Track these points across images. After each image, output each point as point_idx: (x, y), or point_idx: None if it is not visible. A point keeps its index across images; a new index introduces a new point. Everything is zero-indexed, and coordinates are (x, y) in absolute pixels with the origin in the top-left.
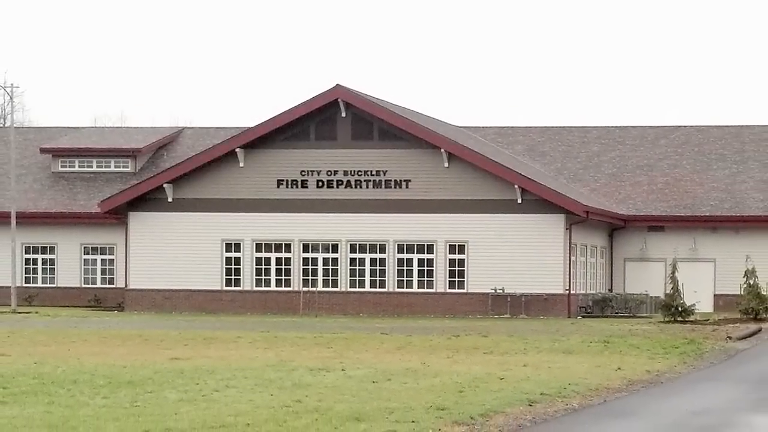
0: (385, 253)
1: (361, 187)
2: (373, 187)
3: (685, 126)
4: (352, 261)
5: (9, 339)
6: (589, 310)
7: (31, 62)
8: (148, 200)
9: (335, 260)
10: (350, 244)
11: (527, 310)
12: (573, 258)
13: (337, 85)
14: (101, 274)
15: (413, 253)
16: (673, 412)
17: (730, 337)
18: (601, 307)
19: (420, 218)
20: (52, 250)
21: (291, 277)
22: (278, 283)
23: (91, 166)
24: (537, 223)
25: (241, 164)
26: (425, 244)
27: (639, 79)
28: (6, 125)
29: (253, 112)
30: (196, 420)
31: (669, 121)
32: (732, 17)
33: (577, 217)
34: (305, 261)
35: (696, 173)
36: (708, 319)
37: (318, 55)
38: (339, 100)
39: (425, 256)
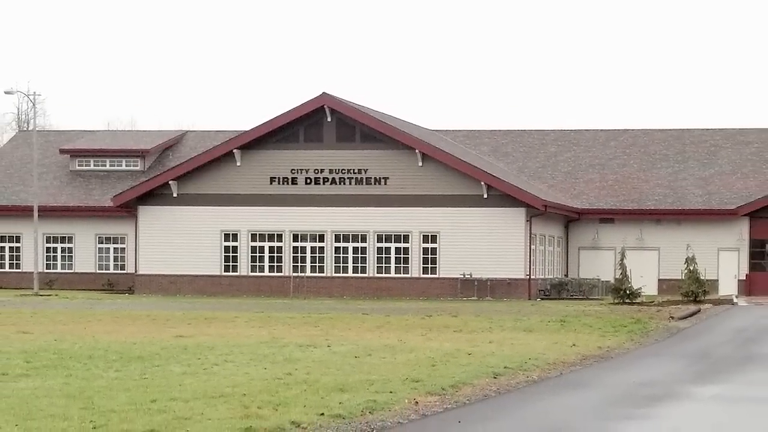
0: (366, 242)
1: (344, 183)
2: (356, 183)
3: (632, 129)
4: (337, 249)
5: (32, 319)
6: (547, 293)
7: (51, 72)
8: (155, 195)
9: (321, 249)
10: (335, 234)
11: (492, 292)
12: (533, 246)
13: (323, 93)
14: (114, 261)
15: (391, 242)
16: (622, 383)
17: (672, 317)
18: (558, 290)
19: (397, 211)
20: (70, 239)
21: (282, 264)
22: (271, 269)
23: (105, 165)
24: (501, 215)
25: (238, 163)
26: (402, 234)
27: (590, 87)
28: (29, 129)
29: (249, 116)
30: (198, 391)
31: (618, 125)
32: (673, 29)
33: (537, 211)
34: (295, 249)
35: (642, 171)
36: (653, 301)
37: (306, 65)
38: (325, 106)
39: (402, 245)
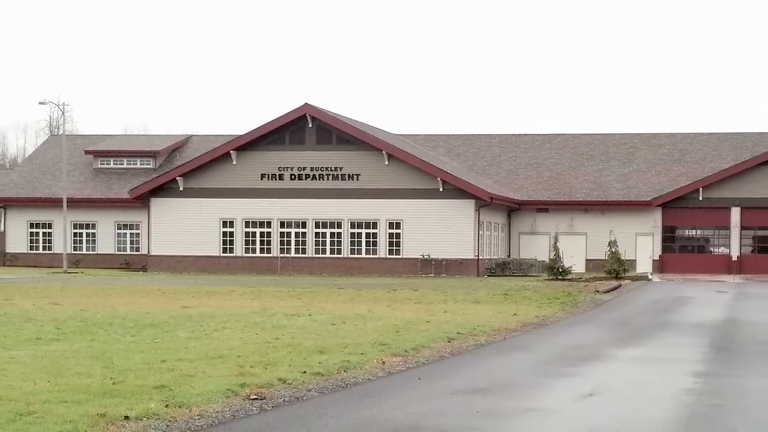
0: (341, 228)
1: (323, 179)
2: (332, 179)
3: (563, 134)
4: (317, 234)
5: (61, 292)
6: (492, 271)
7: (78, 85)
8: (165, 189)
9: (304, 234)
10: (315, 222)
11: (447, 270)
12: (481, 232)
13: (305, 103)
14: (130, 244)
15: (362, 228)
16: (556, 346)
17: (598, 291)
18: (501, 268)
19: (367, 203)
20: (93, 226)
21: (271, 247)
22: (262, 250)
23: (122, 164)
24: (454, 206)
25: (234, 162)
26: (371, 221)
27: (528, 99)
28: (59, 134)
29: (245, 121)
30: (200, 352)
31: (552, 130)
32: (596, 46)
33: (484, 202)
34: (282, 234)
35: (572, 169)
36: (581, 278)
37: (291, 78)
38: (307, 114)
39: (371, 230)
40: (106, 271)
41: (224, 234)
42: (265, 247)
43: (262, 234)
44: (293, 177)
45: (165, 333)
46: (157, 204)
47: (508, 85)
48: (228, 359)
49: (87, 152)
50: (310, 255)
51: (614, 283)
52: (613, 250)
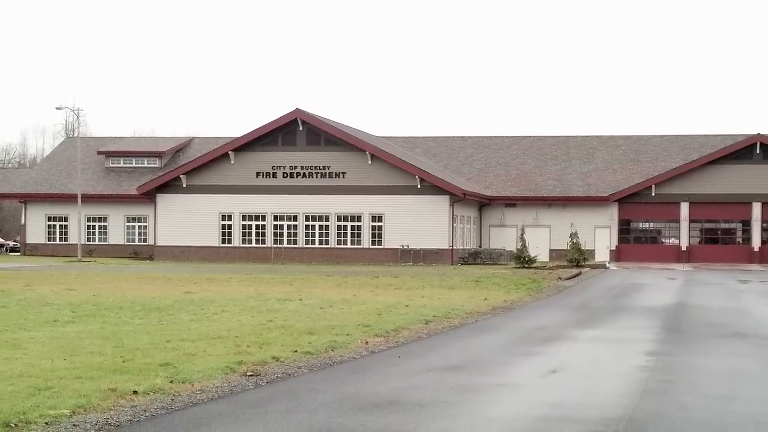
0: (329, 221)
1: (312, 177)
2: (321, 177)
3: (529, 136)
4: (307, 227)
5: (76, 279)
6: (465, 260)
7: (91, 91)
8: (169, 186)
9: (295, 226)
10: (305, 215)
11: (424, 259)
12: (455, 225)
13: (296, 109)
14: (138, 236)
15: (347, 221)
16: (522, 328)
17: (560, 278)
18: (473, 257)
19: (352, 198)
20: (105, 219)
21: (265, 238)
22: (257, 241)
23: (131, 163)
24: (431, 201)
25: (232, 162)
26: (356, 215)
27: (498, 104)
28: (74, 136)
29: (243, 123)
30: (202, 333)
31: (518, 132)
32: (562, 54)
33: (458, 197)
34: (275, 227)
35: (537, 168)
36: (545, 266)
37: (285, 84)
38: (297, 118)
39: (356, 223)
40: (116, 260)
41: (223, 226)
42: (260, 238)
43: (257, 226)
44: (285, 175)
45: (170, 316)
46: (163, 199)
47: (480, 91)
48: (226, 339)
49: (99, 153)
50: (300, 245)
51: (575, 270)
52: (574, 241)
